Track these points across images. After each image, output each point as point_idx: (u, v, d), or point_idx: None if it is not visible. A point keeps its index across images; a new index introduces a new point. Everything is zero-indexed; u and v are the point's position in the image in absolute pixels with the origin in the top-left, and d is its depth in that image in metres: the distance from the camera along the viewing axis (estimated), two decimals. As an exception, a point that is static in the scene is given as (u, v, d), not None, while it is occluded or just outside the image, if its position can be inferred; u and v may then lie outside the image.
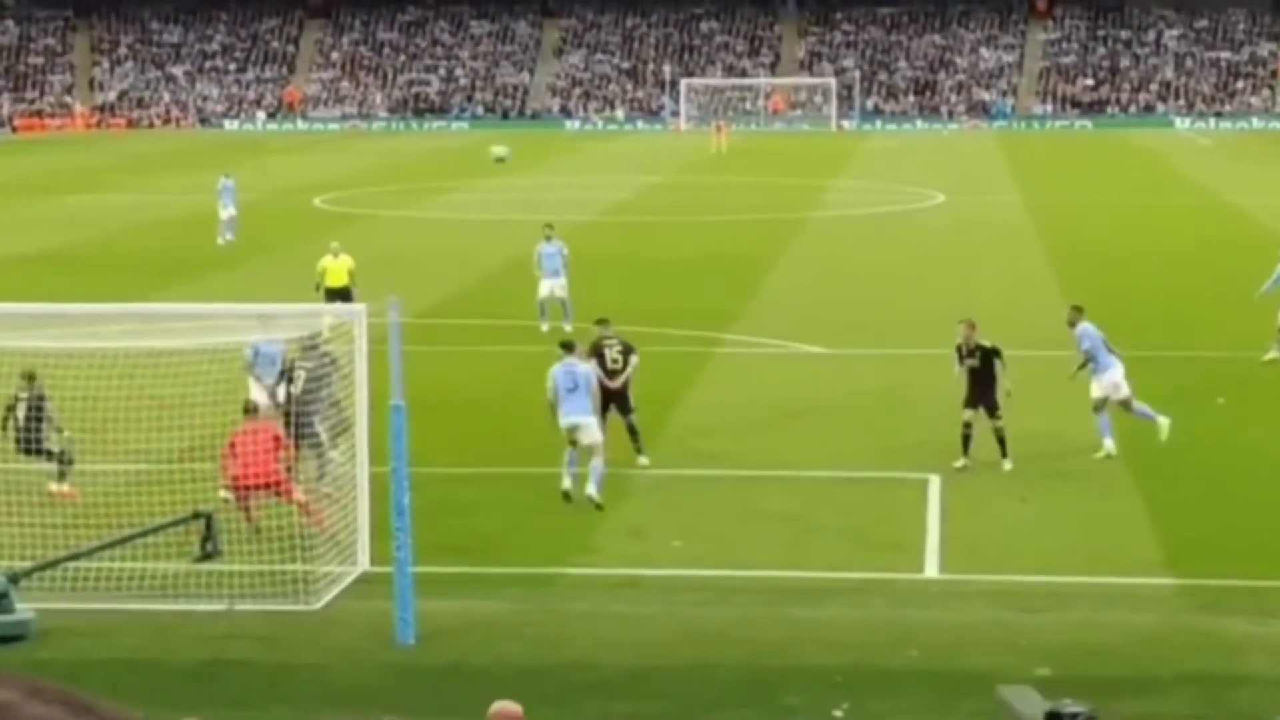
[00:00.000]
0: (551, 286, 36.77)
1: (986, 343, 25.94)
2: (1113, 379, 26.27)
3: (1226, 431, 28.05)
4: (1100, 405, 26.31)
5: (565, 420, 23.80)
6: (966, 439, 25.38)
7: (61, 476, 23.82)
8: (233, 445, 22.36)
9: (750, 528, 22.90)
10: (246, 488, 22.16)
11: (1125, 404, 26.45)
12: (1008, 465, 25.39)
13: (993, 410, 25.40)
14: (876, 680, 17.45)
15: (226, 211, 53.35)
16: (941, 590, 20.62)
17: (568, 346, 24.89)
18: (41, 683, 1.42)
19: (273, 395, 24.88)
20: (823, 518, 23.43)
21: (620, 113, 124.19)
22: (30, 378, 24.18)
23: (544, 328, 36.05)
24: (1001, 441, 25.42)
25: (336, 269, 36.83)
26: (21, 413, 24.12)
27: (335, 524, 21.45)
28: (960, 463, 25.31)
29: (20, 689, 1.53)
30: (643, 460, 25.54)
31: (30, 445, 24.05)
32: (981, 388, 25.48)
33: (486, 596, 20.16)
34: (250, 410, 23.10)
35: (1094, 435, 26.25)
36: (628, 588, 20.54)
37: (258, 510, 22.22)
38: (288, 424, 23.22)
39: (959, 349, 25.98)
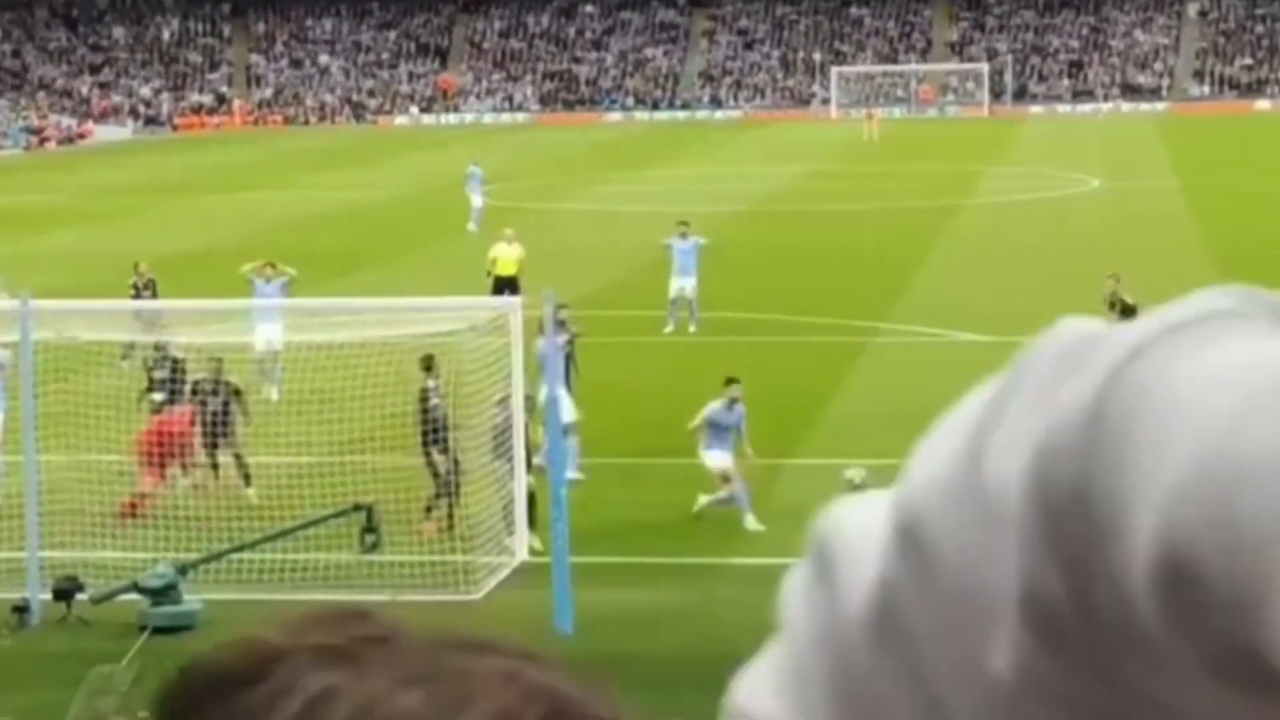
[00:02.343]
0: (683, 286, 36.03)
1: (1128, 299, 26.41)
2: None
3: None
4: None
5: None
6: None
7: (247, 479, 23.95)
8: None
9: (908, 517, 22.78)
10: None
11: None
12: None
13: None
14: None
15: (475, 200, 53.92)
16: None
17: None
18: (491, 640, 0.97)
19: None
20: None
21: (747, 105, 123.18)
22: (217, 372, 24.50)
23: (671, 327, 35.72)
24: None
25: (508, 258, 37.13)
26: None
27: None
28: None
29: (521, 656, 1.03)
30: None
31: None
32: None
33: (645, 586, 20.25)
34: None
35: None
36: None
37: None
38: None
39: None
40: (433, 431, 23.01)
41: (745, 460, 23.37)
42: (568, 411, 23.31)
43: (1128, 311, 26.14)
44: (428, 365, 23.29)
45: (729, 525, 22.60)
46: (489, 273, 36.77)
